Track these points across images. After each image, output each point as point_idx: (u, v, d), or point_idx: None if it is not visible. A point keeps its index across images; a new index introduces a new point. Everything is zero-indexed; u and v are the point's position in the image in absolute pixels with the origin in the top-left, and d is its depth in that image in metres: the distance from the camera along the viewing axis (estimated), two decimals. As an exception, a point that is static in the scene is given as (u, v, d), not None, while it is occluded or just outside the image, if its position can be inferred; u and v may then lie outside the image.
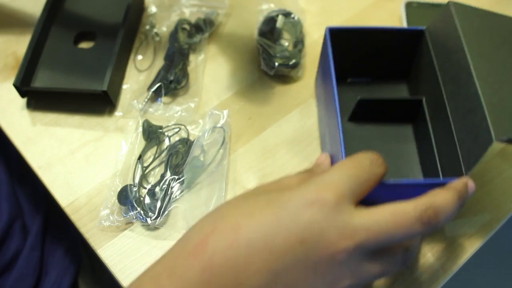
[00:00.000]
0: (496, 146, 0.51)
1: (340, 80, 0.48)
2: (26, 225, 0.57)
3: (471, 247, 0.46)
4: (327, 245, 0.31)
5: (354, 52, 0.50)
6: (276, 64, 0.53)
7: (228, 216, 0.32)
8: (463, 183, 0.36)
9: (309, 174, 0.38)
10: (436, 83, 0.46)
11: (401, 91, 0.54)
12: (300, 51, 0.55)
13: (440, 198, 0.33)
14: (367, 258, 0.32)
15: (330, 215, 0.31)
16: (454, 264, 0.45)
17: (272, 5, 0.59)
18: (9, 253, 0.53)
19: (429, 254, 0.45)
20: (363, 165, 0.34)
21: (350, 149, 0.49)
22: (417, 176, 0.49)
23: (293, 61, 0.54)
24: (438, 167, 0.45)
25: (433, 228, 0.32)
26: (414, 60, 0.51)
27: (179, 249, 0.32)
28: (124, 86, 0.55)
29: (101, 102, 0.53)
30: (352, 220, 0.31)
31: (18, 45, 0.57)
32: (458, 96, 0.42)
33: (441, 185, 0.38)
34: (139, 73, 0.56)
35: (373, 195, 0.42)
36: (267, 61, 0.53)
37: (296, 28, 0.57)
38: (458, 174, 0.40)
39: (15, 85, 0.51)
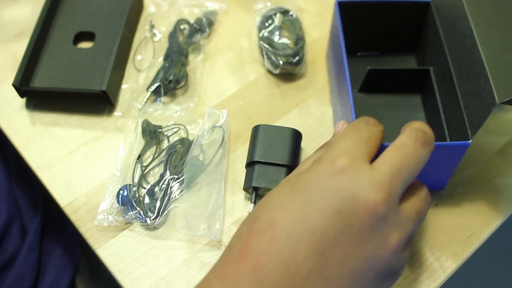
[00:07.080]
0: (496, 145, 0.51)
1: (350, 54, 0.49)
2: (24, 226, 0.57)
3: (470, 246, 0.46)
4: (363, 204, 0.31)
5: (362, 26, 0.51)
6: (281, 62, 0.53)
7: (259, 217, 0.33)
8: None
9: (324, 147, 0.39)
10: (442, 52, 0.47)
11: (409, 63, 0.55)
12: (302, 47, 0.55)
13: (413, 123, 0.35)
14: (401, 203, 0.33)
15: (353, 177, 0.31)
16: (454, 264, 0.45)
17: (268, 4, 0.59)
18: (7, 253, 0.53)
19: (428, 253, 0.45)
20: (360, 127, 0.35)
21: None
22: None
23: (297, 58, 0.54)
24: (445, 132, 0.47)
25: (431, 145, 0.35)
26: (421, 33, 0.53)
27: (225, 259, 0.33)
28: (123, 86, 0.55)
29: (100, 102, 0.53)
30: (374, 173, 0.32)
31: (17, 44, 0.57)
32: (463, 62, 0.43)
33: (447, 147, 0.41)
34: (138, 73, 0.55)
35: None
36: (271, 59, 0.53)
37: (295, 25, 0.57)
38: (464, 138, 0.41)
39: (14, 85, 0.51)
